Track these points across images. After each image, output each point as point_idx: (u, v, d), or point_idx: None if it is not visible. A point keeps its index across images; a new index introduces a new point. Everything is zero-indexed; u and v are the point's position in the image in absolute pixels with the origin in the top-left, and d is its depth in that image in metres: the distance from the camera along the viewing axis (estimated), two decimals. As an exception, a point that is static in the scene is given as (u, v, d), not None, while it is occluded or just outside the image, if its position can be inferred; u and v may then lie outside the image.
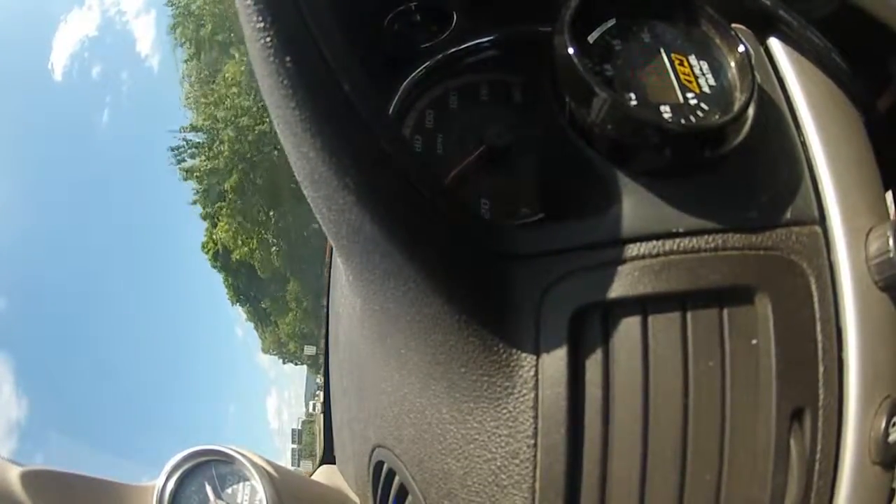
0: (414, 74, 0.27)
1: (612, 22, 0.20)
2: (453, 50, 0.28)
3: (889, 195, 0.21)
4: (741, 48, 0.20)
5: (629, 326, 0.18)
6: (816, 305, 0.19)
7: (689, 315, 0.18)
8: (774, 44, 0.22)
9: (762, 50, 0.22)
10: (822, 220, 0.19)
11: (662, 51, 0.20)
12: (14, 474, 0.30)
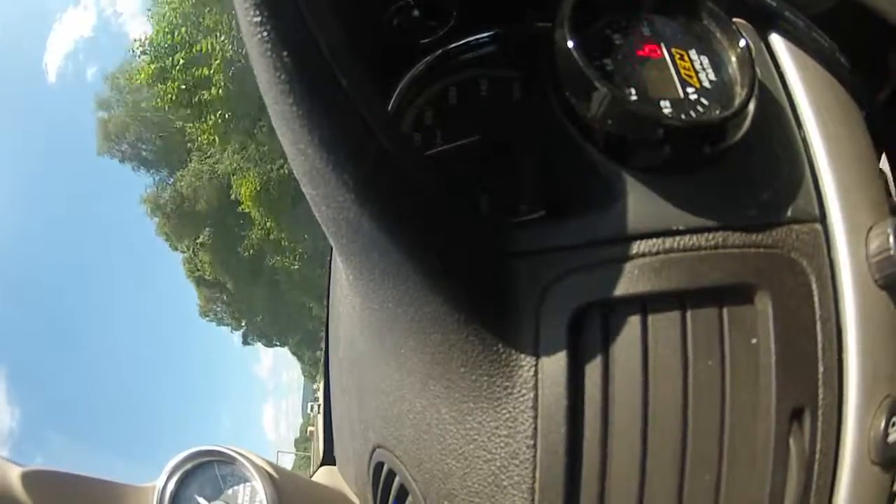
0: (413, 70, 0.27)
1: (611, 16, 0.20)
2: (452, 46, 0.27)
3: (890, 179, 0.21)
4: (742, 43, 0.20)
5: (629, 325, 0.18)
6: (816, 304, 0.18)
7: (688, 313, 0.18)
8: (775, 39, 0.22)
9: (763, 45, 0.22)
10: (823, 217, 0.19)
11: (663, 45, 0.20)
12: (14, 474, 0.30)
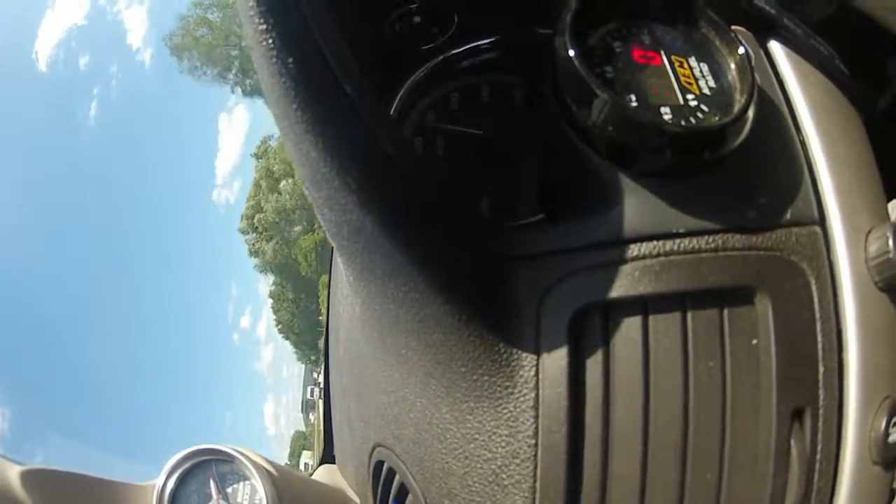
0: (415, 76, 0.28)
1: (612, 24, 0.20)
2: (454, 51, 0.28)
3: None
4: (741, 50, 0.20)
5: (630, 326, 0.18)
6: (816, 306, 0.19)
7: (689, 315, 0.18)
8: (775, 46, 0.22)
9: (762, 52, 0.22)
10: (822, 220, 0.19)
11: (662, 52, 0.20)
12: (14, 473, 0.30)
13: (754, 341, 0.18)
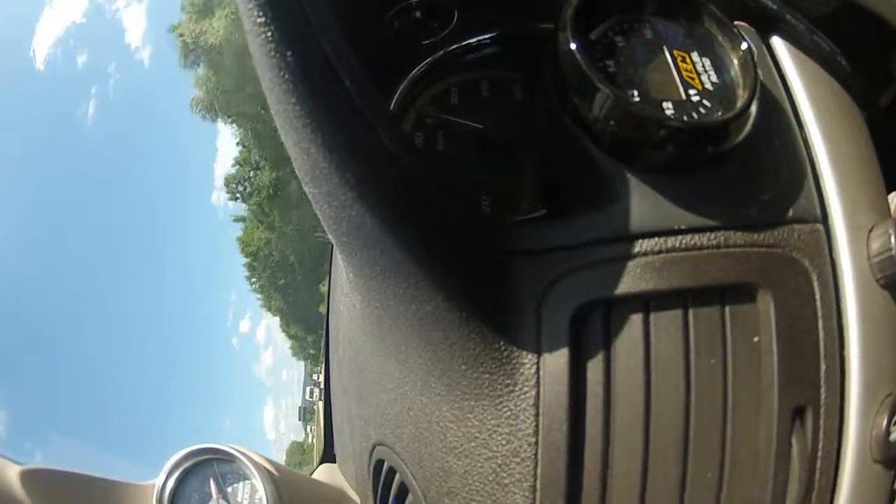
0: (415, 71, 0.27)
1: (614, 18, 0.20)
2: (454, 46, 0.28)
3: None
4: (744, 45, 0.20)
5: (631, 323, 0.18)
6: (818, 303, 0.18)
7: (690, 312, 0.18)
8: (777, 42, 0.22)
9: (765, 47, 0.22)
10: (824, 217, 0.19)
11: (665, 47, 0.20)
12: (13, 473, 0.30)
13: (756, 339, 0.18)
